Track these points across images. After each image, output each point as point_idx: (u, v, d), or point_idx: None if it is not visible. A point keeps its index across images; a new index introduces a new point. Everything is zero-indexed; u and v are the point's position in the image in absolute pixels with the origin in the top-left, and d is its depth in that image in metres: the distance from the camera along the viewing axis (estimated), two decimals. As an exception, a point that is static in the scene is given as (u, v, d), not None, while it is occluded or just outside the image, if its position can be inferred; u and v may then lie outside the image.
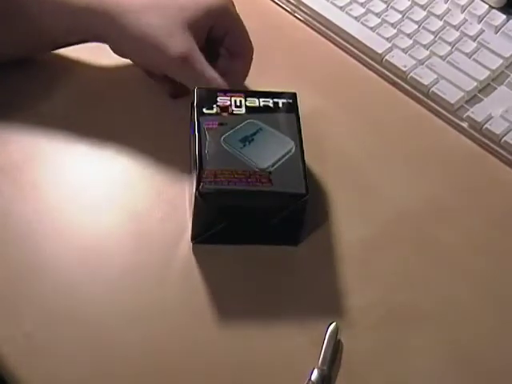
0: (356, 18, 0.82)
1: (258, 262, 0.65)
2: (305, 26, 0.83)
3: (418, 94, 0.77)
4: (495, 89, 0.77)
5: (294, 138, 0.64)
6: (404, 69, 0.78)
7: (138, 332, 0.60)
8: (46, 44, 0.73)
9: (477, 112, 0.75)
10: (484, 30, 0.80)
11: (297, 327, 0.61)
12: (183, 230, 0.65)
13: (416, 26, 0.81)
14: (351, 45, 0.81)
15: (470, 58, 0.79)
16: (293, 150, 0.64)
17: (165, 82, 0.72)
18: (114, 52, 0.72)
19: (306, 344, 0.60)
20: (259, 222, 0.63)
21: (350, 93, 0.78)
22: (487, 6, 0.82)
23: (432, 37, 0.80)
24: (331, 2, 0.83)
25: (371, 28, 0.81)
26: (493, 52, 0.79)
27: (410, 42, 0.80)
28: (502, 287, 0.65)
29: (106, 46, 0.71)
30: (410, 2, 0.83)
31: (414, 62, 0.78)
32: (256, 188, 0.61)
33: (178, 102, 0.73)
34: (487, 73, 0.77)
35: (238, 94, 0.67)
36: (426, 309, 0.63)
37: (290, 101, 0.67)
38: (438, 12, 0.82)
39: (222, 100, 0.66)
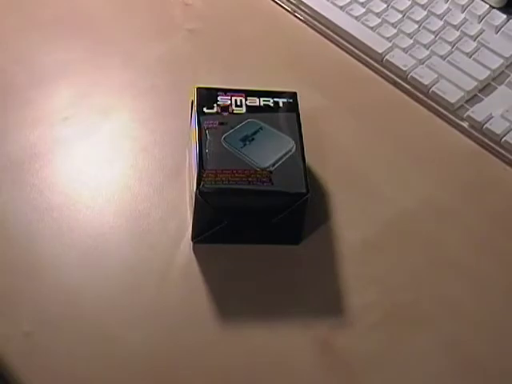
0: (356, 17, 0.82)
1: (258, 262, 0.65)
2: (305, 25, 0.83)
3: (418, 94, 0.77)
4: (495, 88, 0.77)
5: (295, 138, 0.64)
6: (404, 68, 0.78)
7: (138, 332, 0.60)
8: None
9: (477, 112, 0.75)
10: (484, 30, 0.80)
11: (297, 327, 0.61)
12: (183, 230, 0.65)
13: (416, 26, 0.81)
14: (351, 44, 0.81)
15: (470, 57, 0.78)
16: (293, 150, 0.64)
17: None
18: None
19: (307, 344, 0.60)
20: (260, 221, 0.63)
21: (350, 92, 0.78)
22: (487, 6, 0.82)
23: (432, 36, 0.80)
24: (331, 2, 0.83)
25: (371, 28, 0.81)
26: (493, 52, 0.79)
27: (411, 41, 0.80)
28: (503, 287, 0.65)
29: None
30: (410, 2, 0.83)
31: (415, 61, 0.78)
32: (256, 187, 0.61)
33: (178, 101, 0.73)
34: (487, 72, 0.77)
35: (238, 94, 0.67)
36: (425, 309, 0.63)
37: (291, 100, 0.67)
38: (439, 12, 0.82)
39: (223, 99, 0.66)
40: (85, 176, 0.69)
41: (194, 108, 0.66)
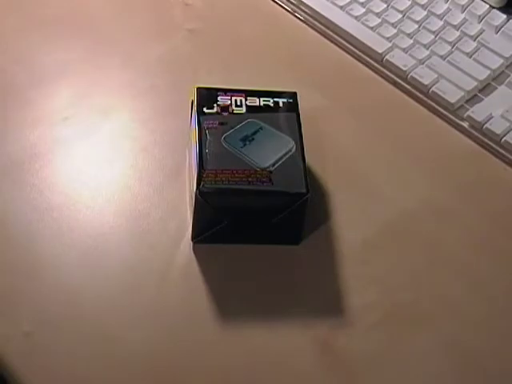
0: (356, 17, 0.82)
1: (258, 262, 0.65)
2: (305, 25, 0.83)
3: (418, 94, 0.77)
4: (495, 88, 0.77)
5: (295, 138, 0.64)
6: (404, 68, 0.78)
7: (138, 332, 0.60)
8: None
9: (477, 112, 0.75)
10: (484, 30, 0.80)
11: (297, 327, 0.61)
12: (183, 230, 0.65)
13: (416, 26, 0.81)
14: (351, 44, 0.81)
15: (470, 57, 0.78)
16: (293, 150, 0.64)
17: None
18: None
19: (307, 344, 0.60)
20: (260, 221, 0.63)
21: (350, 92, 0.78)
22: (487, 6, 0.82)
23: (432, 36, 0.80)
24: (331, 2, 0.83)
25: (371, 28, 0.81)
26: (493, 52, 0.79)
27: (411, 41, 0.80)
28: (502, 287, 0.65)
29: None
30: (410, 2, 0.83)
31: (415, 61, 0.78)
32: (256, 187, 0.61)
33: (178, 101, 0.73)
34: (487, 72, 0.77)
35: (238, 94, 0.67)
36: (425, 309, 0.63)
37: (291, 100, 0.67)
38: (439, 12, 0.82)
39: (223, 99, 0.66)
40: (85, 176, 0.69)
41: (194, 108, 0.66)
